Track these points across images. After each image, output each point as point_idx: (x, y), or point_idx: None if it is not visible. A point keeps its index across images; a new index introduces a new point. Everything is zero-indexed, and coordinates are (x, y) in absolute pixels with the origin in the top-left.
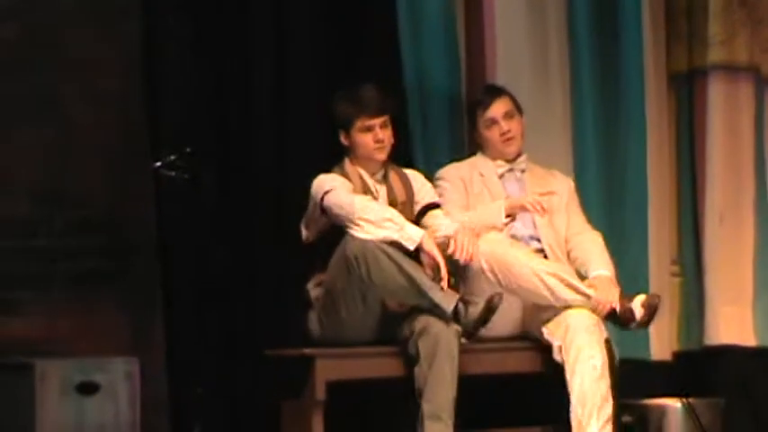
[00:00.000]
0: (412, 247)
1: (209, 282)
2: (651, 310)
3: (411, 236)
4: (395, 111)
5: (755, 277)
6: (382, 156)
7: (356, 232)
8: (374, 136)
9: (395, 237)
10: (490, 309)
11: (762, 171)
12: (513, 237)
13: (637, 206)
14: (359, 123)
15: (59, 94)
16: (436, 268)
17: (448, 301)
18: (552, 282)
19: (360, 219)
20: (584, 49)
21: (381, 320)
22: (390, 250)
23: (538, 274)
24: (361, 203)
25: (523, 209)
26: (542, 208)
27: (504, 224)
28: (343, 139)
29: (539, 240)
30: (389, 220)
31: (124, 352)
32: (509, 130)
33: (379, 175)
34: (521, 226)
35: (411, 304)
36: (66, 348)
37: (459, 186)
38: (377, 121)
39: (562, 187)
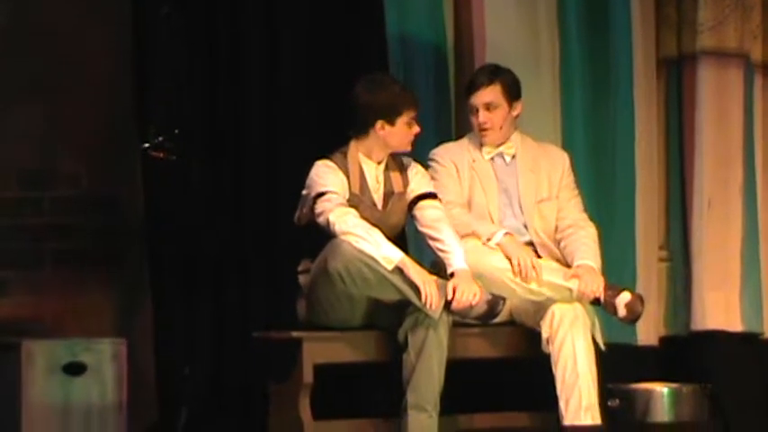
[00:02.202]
0: (389, 267)
1: (198, 263)
2: (634, 316)
3: (389, 256)
4: None
5: (743, 263)
6: (410, 147)
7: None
8: (415, 129)
9: (373, 254)
10: (492, 314)
11: (750, 157)
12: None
13: (625, 191)
14: (412, 114)
15: (49, 76)
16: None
17: (435, 311)
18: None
19: (342, 233)
20: (574, 34)
21: (370, 311)
22: (372, 262)
23: (512, 278)
24: (341, 219)
25: (511, 262)
26: (526, 275)
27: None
28: (378, 129)
29: (525, 226)
30: (366, 240)
31: (112, 333)
32: (485, 122)
33: (384, 164)
34: (510, 214)
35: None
36: (53, 328)
37: (451, 170)
38: (416, 114)
39: (555, 166)
